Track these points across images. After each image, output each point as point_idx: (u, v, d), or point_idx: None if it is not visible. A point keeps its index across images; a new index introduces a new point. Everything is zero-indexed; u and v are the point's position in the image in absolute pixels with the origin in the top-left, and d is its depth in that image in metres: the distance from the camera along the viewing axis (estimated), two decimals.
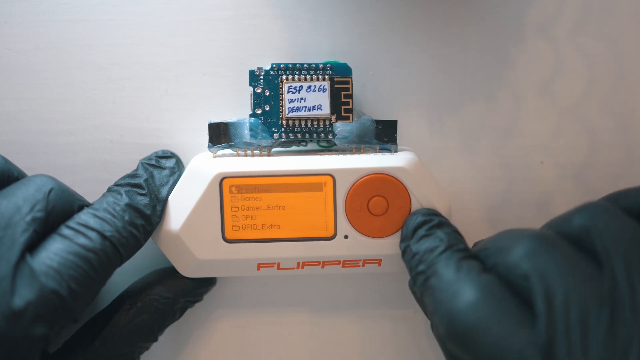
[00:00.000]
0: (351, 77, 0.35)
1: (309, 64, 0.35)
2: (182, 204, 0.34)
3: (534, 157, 0.38)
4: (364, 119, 0.35)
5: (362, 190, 0.33)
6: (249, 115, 0.35)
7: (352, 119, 0.35)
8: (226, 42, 0.37)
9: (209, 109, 0.37)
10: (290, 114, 0.35)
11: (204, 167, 0.34)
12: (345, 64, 0.35)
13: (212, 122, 0.35)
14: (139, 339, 0.34)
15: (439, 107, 0.38)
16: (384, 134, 0.35)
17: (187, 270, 0.34)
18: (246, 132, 0.35)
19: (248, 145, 0.35)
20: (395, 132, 0.35)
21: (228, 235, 0.34)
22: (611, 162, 0.38)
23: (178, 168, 0.36)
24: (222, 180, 0.33)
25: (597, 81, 0.38)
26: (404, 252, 0.33)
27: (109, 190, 0.33)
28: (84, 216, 0.31)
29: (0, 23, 0.37)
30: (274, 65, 0.35)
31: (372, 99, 0.38)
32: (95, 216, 0.31)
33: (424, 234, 0.32)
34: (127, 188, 0.33)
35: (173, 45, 0.37)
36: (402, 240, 0.33)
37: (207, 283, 0.36)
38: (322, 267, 0.34)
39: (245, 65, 0.37)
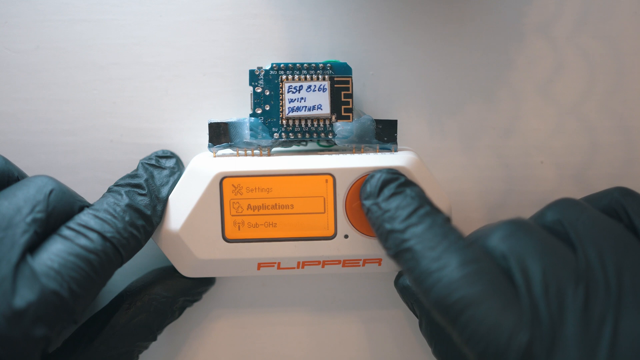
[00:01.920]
0: (351, 77, 0.35)
1: (309, 64, 0.35)
2: (182, 203, 0.34)
3: (534, 157, 0.38)
4: (364, 119, 0.35)
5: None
6: (249, 115, 0.35)
7: (352, 119, 0.35)
8: (226, 42, 0.37)
9: (209, 109, 0.37)
10: (291, 114, 0.35)
11: (204, 166, 0.34)
12: (346, 63, 0.35)
13: (212, 122, 0.35)
14: (138, 338, 0.34)
15: (439, 107, 0.38)
16: (384, 134, 0.35)
17: (187, 270, 0.34)
18: (246, 132, 0.35)
19: (248, 145, 0.35)
20: (396, 132, 0.35)
21: (228, 235, 0.34)
22: (611, 162, 0.38)
23: (178, 168, 0.36)
24: (222, 180, 0.33)
25: (597, 81, 0.38)
26: (368, 211, 0.32)
27: (109, 190, 0.33)
28: (84, 217, 0.31)
29: (0, 23, 0.37)
30: (274, 65, 0.35)
31: (372, 98, 0.38)
32: (96, 217, 0.31)
33: (394, 192, 0.31)
34: (128, 188, 0.33)
35: (173, 45, 0.37)
36: (366, 197, 0.32)
37: (206, 282, 0.36)
38: (322, 266, 0.34)
39: (245, 65, 0.37)
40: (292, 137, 0.35)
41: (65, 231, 0.30)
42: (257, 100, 0.35)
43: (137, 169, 0.35)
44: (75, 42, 0.37)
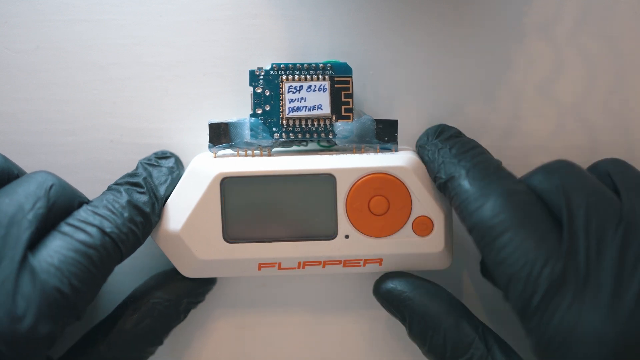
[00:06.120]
0: (351, 77, 0.35)
1: (309, 64, 0.35)
2: (182, 204, 0.34)
3: (534, 157, 0.38)
4: (364, 119, 0.35)
5: (363, 189, 0.33)
6: (249, 115, 0.35)
7: (353, 119, 0.35)
8: (226, 42, 0.37)
9: (209, 109, 0.37)
10: (291, 114, 0.35)
11: (204, 167, 0.34)
12: (346, 63, 0.35)
13: (213, 122, 0.35)
14: (144, 343, 0.34)
15: (439, 107, 0.38)
16: (384, 134, 0.35)
17: (188, 270, 0.34)
18: (247, 132, 0.35)
19: (248, 145, 0.35)
20: (396, 132, 0.35)
21: (229, 236, 0.34)
22: None
23: (177, 168, 0.36)
24: (222, 180, 0.33)
25: (597, 81, 0.38)
26: (423, 149, 0.34)
27: (109, 188, 0.33)
28: (83, 213, 0.31)
29: (0, 23, 0.37)
30: (274, 65, 0.35)
31: (372, 98, 0.38)
32: (95, 213, 0.31)
33: (451, 135, 0.34)
34: (127, 186, 0.33)
35: (173, 45, 0.37)
36: (424, 140, 0.35)
37: (208, 282, 0.36)
38: (323, 266, 0.34)
39: (245, 65, 0.37)
40: (293, 137, 0.35)
41: (65, 227, 0.30)
42: (258, 100, 0.35)
43: (136, 169, 0.35)
44: (75, 42, 0.37)
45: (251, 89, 0.35)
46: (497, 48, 0.38)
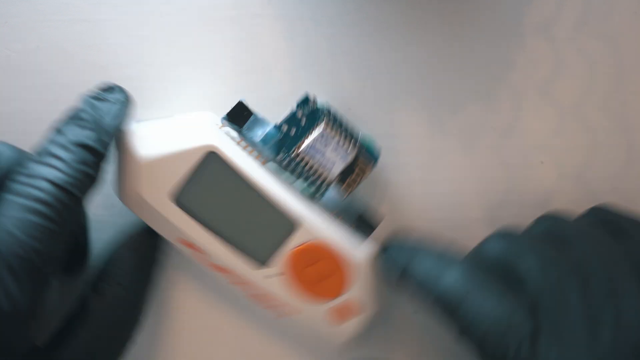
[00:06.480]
0: (373, 165, 0.35)
1: (352, 130, 0.34)
2: (163, 141, 0.32)
3: (534, 157, 0.38)
4: (355, 203, 0.35)
5: (314, 251, 0.33)
6: (273, 125, 0.34)
7: (348, 195, 0.35)
8: (226, 42, 0.37)
9: (209, 110, 0.37)
10: (305, 153, 0.34)
11: (203, 129, 0.33)
12: (377, 154, 0.35)
13: (243, 102, 0.34)
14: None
15: (439, 107, 0.38)
16: (361, 228, 0.35)
17: (126, 199, 0.33)
18: (260, 134, 0.34)
19: (252, 143, 0.34)
20: (372, 233, 0.35)
21: (179, 199, 0.32)
22: (611, 162, 0.38)
23: (126, 99, 0.33)
24: (209, 152, 0.32)
25: (597, 81, 0.38)
26: (380, 265, 0.35)
27: (50, 130, 0.31)
28: (29, 166, 0.28)
29: (0, 23, 0.37)
30: (326, 107, 0.34)
31: (372, 98, 0.38)
32: (40, 163, 0.28)
33: (400, 243, 0.35)
34: (69, 124, 0.30)
35: (173, 45, 0.37)
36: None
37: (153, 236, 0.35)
38: (243, 288, 0.34)
39: (245, 66, 0.37)
40: (291, 169, 0.34)
41: (12, 185, 0.28)
42: (291, 120, 0.34)
43: (79, 103, 0.32)
44: (75, 42, 0.37)
45: (294, 107, 0.34)
46: (497, 48, 0.38)
